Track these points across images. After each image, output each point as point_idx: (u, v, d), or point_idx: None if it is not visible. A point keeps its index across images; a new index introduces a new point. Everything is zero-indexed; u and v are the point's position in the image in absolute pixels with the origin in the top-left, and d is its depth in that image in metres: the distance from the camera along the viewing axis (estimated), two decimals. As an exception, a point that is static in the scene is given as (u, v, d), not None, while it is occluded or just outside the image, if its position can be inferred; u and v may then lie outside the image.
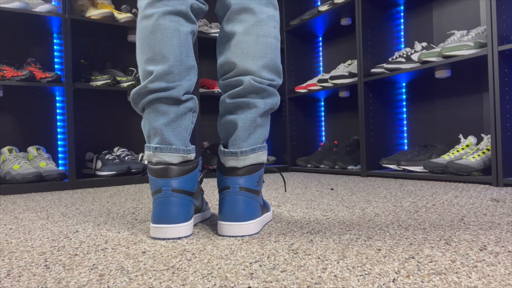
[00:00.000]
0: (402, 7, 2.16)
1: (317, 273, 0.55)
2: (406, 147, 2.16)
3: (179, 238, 0.79)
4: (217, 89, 2.38)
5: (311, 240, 0.74)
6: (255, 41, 0.82)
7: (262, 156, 0.84)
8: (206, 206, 1.00)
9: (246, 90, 0.82)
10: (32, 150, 1.89)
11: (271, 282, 0.53)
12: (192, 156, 0.84)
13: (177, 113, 0.82)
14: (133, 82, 2.09)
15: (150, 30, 0.81)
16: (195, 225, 0.92)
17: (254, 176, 0.82)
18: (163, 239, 0.79)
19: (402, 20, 2.17)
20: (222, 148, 0.84)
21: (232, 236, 0.79)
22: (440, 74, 1.78)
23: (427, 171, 1.78)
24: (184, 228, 0.79)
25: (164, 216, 0.78)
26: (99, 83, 2.01)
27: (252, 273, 0.56)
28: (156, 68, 0.79)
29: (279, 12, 0.90)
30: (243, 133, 0.82)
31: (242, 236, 0.79)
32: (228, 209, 0.80)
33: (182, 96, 0.81)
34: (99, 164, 2.00)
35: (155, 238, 0.79)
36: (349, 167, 2.18)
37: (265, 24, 0.83)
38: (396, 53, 1.99)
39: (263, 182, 0.89)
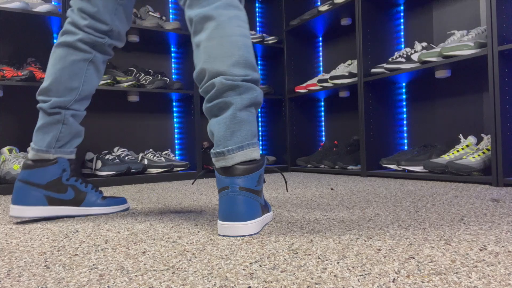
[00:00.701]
0: (402, 7, 2.16)
1: (317, 273, 0.55)
2: (406, 147, 2.16)
3: (23, 218, 1.01)
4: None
5: (311, 240, 0.74)
6: (219, 43, 0.84)
7: (252, 153, 0.83)
8: (89, 198, 1.10)
9: (219, 90, 0.83)
10: (32, 150, 1.89)
11: (271, 282, 0.53)
12: (50, 156, 1.05)
13: (47, 122, 1.05)
14: (133, 82, 2.09)
15: (50, 55, 1.08)
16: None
17: (253, 175, 0.82)
18: (17, 217, 1.03)
19: (402, 20, 2.17)
20: (211, 150, 0.85)
21: (232, 236, 0.79)
22: (440, 74, 1.78)
23: (427, 171, 1.78)
24: (29, 210, 1.01)
25: (14, 198, 1.01)
26: (99, 83, 2.01)
27: (252, 273, 0.56)
28: (43, 84, 1.05)
29: (244, 12, 0.90)
30: (225, 132, 0.83)
31: (242, 236, 0.79)
32: (227, 209, 0.80)
33: (48, 109, 1.04)
34: (99, 164, 2.00)
35: (12, 216, 1.00)
36: (349, 167, 2.18)
37: (227, 25, 0.85)
38: (396, 53, 1.99)
39: (264, 182, 0.89)
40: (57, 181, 1.05)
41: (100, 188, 1.84)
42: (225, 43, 0.84)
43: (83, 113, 1.12)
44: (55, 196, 1.05)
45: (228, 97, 0.83)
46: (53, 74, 1.04)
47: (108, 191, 1.70)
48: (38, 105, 1.05)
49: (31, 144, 1.05)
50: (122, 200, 1.17)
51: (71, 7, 1.07)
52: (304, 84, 2.49)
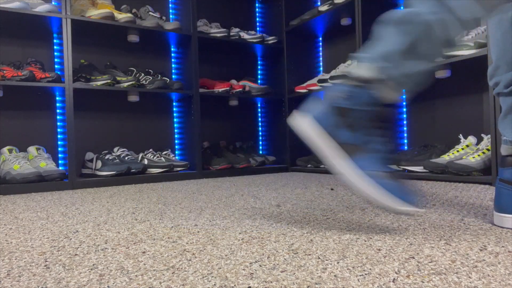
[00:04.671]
0: (402, 7, 2.16)
1: (317, 273, 0.55)
2: (406, 147, 2.16)
3: None
4: (217, 89, 2.37)
5: (311, 240, 0.74)
6: None
7: None
8: None
9: None
10: (32, 150, 1.89)
11: (271, 282, 0.53)
12: None
13: (509, 105, 0.83)
14: (133, 82, 2.09)
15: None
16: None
17: None
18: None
19: (402, 20, 2.16)
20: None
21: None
22: (440, 74, 1.78)
23: (427, 171, 1.78)
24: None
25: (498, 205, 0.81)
26: (99, 83, 2.01)
27: (252, 273, 0.56)
28: (490, 67, 0.88)
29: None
30: None
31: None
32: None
33: (504, 89, 0.83)
34: (99, 164, 2.00)
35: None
36: (349, 167, 2.18)
37: None
38: (396, 53, 1.99)
39: None
40: None
41: (98, 188, 1.84)
42: None
43: None
44: None
45: None
46: (496, 47, 0.84)
47: (108, 191, 1.70)
48: (494, 92, 0.86)
49: (503, 137, 0.84)
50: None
51: None
52: (304, 84, 2.49)
